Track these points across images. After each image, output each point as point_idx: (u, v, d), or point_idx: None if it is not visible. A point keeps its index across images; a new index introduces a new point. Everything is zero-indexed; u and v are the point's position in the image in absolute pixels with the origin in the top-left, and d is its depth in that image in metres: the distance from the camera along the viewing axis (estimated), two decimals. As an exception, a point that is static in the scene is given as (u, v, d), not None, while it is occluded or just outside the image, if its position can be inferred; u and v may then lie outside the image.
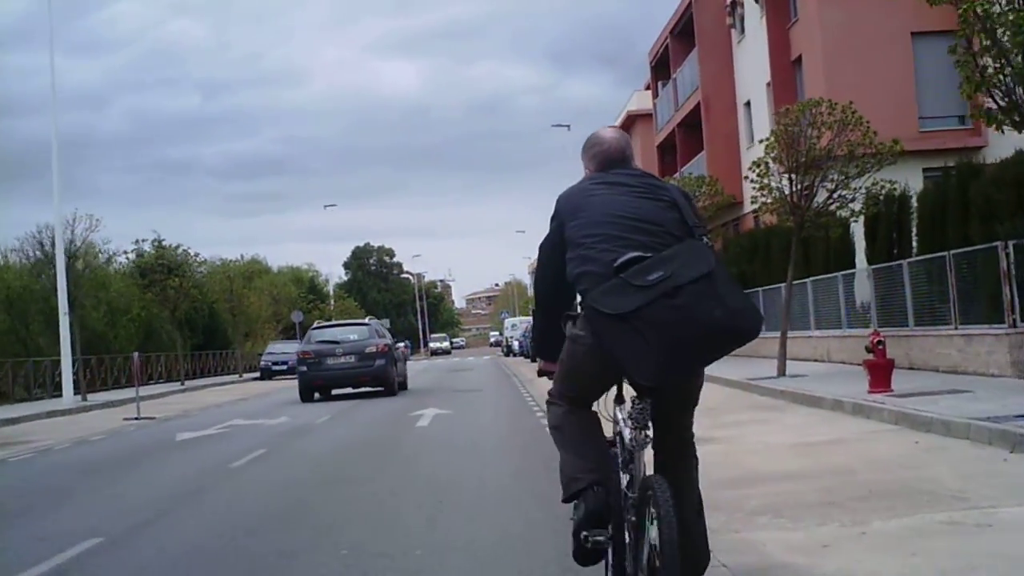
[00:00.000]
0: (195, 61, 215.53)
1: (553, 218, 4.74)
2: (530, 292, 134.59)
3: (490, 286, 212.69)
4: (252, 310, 55.23)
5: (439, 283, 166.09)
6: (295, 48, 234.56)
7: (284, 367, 49.32)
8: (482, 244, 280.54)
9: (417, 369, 51.27)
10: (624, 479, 4.62)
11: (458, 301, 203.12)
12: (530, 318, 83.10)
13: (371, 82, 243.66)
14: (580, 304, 4.53)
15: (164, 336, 56.80)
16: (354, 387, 28.38)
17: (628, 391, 4.72)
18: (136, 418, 22.83)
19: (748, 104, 39.80)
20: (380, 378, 27.79)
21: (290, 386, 38.24)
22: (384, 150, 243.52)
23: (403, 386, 30.20)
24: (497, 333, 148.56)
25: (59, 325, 28.73)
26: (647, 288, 4.11)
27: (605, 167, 4.86)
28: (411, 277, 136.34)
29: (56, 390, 37.74)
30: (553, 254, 4.68)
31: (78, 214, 30.58)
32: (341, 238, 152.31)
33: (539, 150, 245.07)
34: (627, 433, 4.57)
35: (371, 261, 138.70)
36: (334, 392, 28.62)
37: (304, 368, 27.78)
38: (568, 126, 59.38)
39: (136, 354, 24.03)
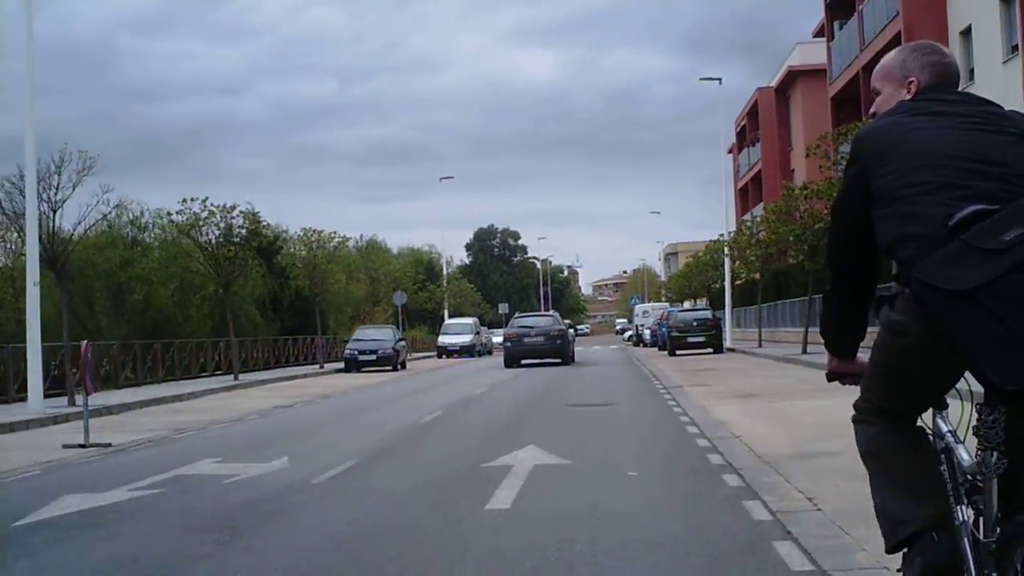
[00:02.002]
0: (333, 48, 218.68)
1: (851, 163, 3.66)
2: (661, 278, 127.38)
3: (617, 273, 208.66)
4: (336, 289, 47.23)
5: (566, 268, 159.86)
6: (431, 35, 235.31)
7: (373, 357, 41.44)
8: (610, 232, 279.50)
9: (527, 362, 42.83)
10: (964, 515, 3.59)
11: (584, 288, 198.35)
12: (664, 304, 75.36)
13: (507, 70, 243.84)
14: (899, 279, 3.46)
15: (243, 318, 49.59)
16: (540, 359, 38.95)
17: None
18: (81, 445, 14.81)
19: (967, 31, 31.22)
20: (560, 353, 39.13)
21: (373, 383, 30.37)
22: (518, 138, 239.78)
23: (573, 358, 40.77)
24: (624, 321, 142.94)
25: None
26: (1001, 253, 3.17)
27: (939, 85, 3.72)
28: (536, 262, 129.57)
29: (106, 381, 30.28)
30: (852, 213, 3.61)
31: (68, 151, 22.27)
32: (471, 224, 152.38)
33: (672, 139, 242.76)
34: (962, 455, 3.65)
35: (494, 243, 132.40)
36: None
37: (508, 344, 39.41)
38: (719, 79, 49.29)
39: (84, 343, 15.76)
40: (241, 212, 32.92)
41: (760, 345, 41.26)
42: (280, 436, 15.81)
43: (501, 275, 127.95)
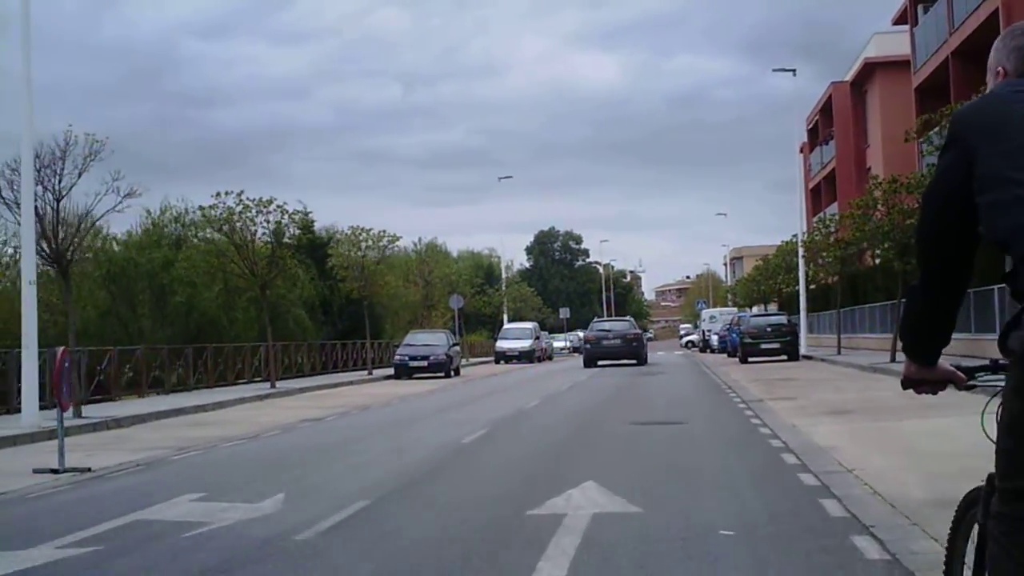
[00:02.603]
0: (397, 52, 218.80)
1: (948, 146, 3.19)
2: (726, 283, 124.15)
3: (681, 278, 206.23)
4: (388, 291, 44.81)
5: (628, 273, 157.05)
6: (493, 39, 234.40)
7: (424, 363, 38.96)
8: (673, 237, 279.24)
9: (580, 370, 40.06)
10: None
11: (647, 293, 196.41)
12: (732, 309, 72.27)
13: (569, 74, 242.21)
14: (1015, 279, 2.92)
15: (292, 322, 47.39)
16: (617, 360, 42.66)
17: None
18: (55, 471, 12.39)
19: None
20: (635, 355, 43.08)
21: (421, 391, 27.83)
22: (579, 143, 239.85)
23: (647, 360, 43.98)
24: (689, 326, 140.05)
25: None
26: None
27: None
28: (599, 267, 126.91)
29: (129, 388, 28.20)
30: (950, 200, 3.12)
31: (72, 133, 19.78)
32: (532, 229, 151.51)
33: (734, 143, 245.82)
34: None
35: (555, 247, 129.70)
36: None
37: (588, 346, 44.15)
38: (793, 70, 46.43)
39: (60, 349, 13.30)
40: (279, 207, 30.37)
41: (839, 352, 38.27)
42: (290, 461, 13.32)
43: (562, 279, 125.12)
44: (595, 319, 54.29)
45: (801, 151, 76.08)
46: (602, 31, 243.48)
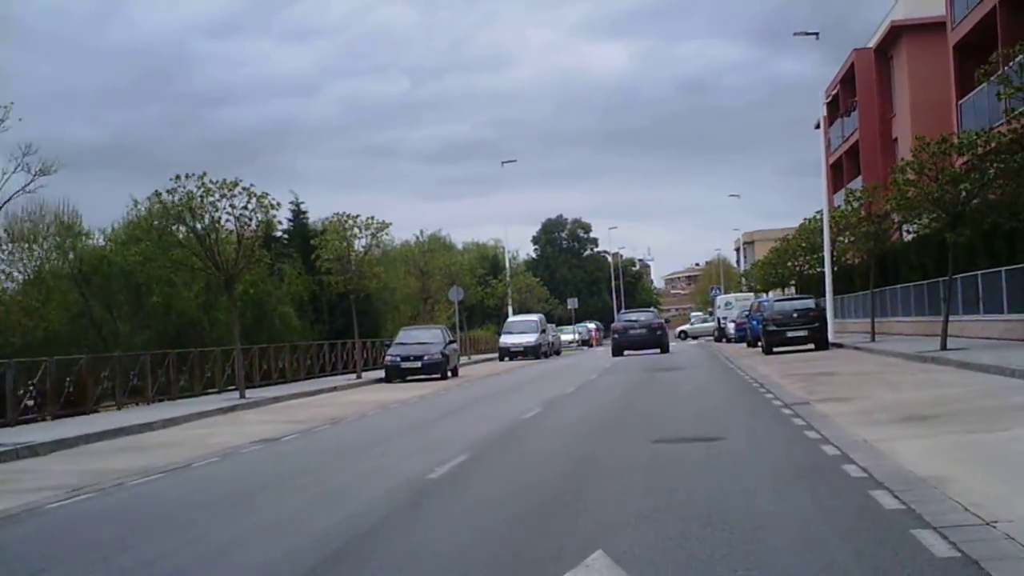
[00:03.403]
0: (404, 46, 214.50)
1: None
2: (738, 269, 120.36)
3: (690, 265, 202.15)
4: (378, 284, 41.11)
5: (638, 262, 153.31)
6: (501, 31, 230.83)
7: (418, 364, 35.40)
8: (682, 225, 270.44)
9: (589, 366, 36.48)
10: None
11: (656, 281, 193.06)
12: (747, 295, 68.41)
13: (577, 64, 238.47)
14: None
15: (277, 322, 43.82)
16: (642, 349, 45.94)
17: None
18: None
19: None
20: (659, 343, 46.30)
21: (407, 398, 24.16)
22: (588, 132, 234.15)
23: (667, 348, 46.98)
24: (700, 314, 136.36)
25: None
26: None
27: None
28: (608, 256, 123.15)
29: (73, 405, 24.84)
30: None
31: None
32: (541, 219, 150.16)
33: (744, 129, 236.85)
34: None
35: (563, 235, 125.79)
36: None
37: (616, 336, 47.24)
38: (816, 34, 42.46)
39: None
40: (246, 189, 26.67)
41: (873, 339, 34.59)
42: (186, 514, 9.78)
43: (570, 268, 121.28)
44: (623, 310, 63.05)
45: (817, 127, 72.32)
46: (610, 18, 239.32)
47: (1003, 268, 27.05)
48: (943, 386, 17.76)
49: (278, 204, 27.46)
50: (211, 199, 26.21)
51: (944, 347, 24.77)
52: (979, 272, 28.65)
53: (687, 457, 11.22)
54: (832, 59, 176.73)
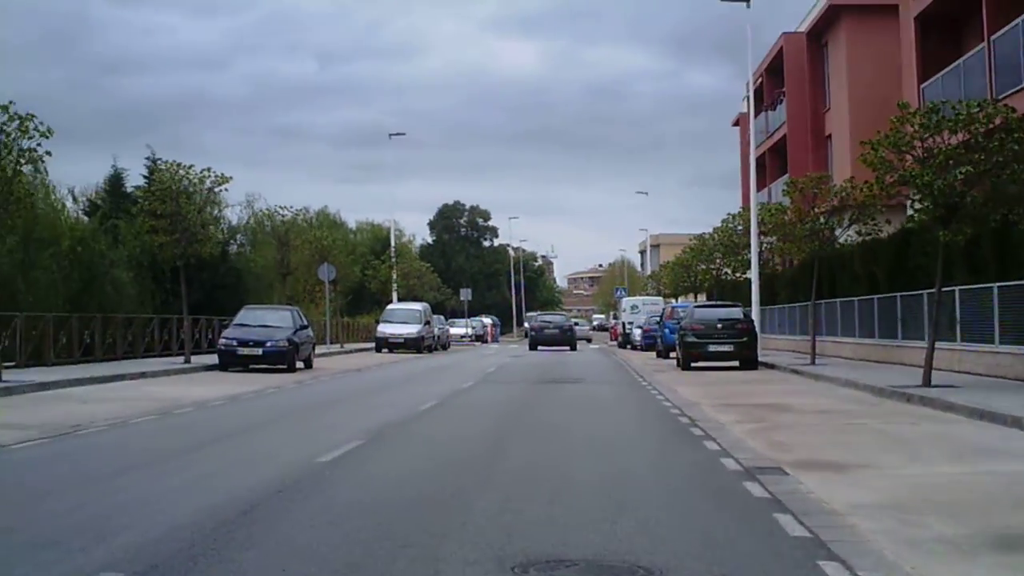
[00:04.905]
0: (314, 28, 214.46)
1: None
2: (642, 272, 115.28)
3: (593, 266, 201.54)
4: (209, 250, 34.15)
5: (540, 257, 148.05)
6: (414, 20, 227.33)
7: (259, 351, 28.80)
8: (586, 226, 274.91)
9: (470, 368, 29.94)
10: None
11: (559, 280, 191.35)
12: (656, 299, 62.72)
13: (488, 59, 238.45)
14: None
15: (109, 287, 36.75)
16: (555, 346, 53.25)
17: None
18: None
19: None
20: (570, 342, 54.59)
21: (222, 396, 16.79)
22: (497, 128, 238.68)
23: (575, 347, 55.02)
24: (602, 317, 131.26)
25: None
26: None
27: None
28: (510, 248, 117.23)
29: None
30: None
31: None
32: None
33: (651, 137, 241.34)
34: None
35: (461, 223, 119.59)
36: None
37: (533, 333, 55.84)
38: (747, 1, 36.00)
39: None
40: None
41: (813, 361, 28.51)
42: None
43: (467, 258, 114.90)
44: (538, 312, 76.08)
45: (736, 124, 66.67)
46: (522, 16, 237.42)
47: (995, 284, 21.21)
48: (990, 455, 11.63)
49: (49, 130, 20.34)
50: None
51: (928, 382, 18.76)
52: (956, 287, 22.76)
53: None
54: (740, 75, 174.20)
